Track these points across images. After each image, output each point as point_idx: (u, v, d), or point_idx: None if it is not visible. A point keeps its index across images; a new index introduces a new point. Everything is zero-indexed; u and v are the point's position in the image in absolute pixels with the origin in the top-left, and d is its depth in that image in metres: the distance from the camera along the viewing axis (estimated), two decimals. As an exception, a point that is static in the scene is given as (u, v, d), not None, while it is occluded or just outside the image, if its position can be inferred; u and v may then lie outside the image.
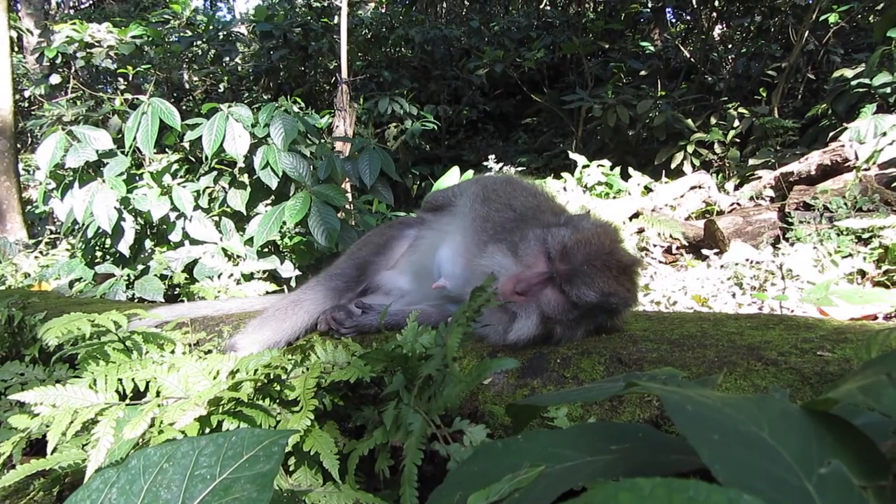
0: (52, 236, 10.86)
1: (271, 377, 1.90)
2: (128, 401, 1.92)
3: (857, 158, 7.83)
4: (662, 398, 0.90)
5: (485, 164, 12.10)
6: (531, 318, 2.30)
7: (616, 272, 2.31)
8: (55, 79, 13.49)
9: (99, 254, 6.71)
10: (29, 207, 11.45)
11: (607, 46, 18.73)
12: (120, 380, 2.30)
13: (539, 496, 1.01)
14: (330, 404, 1.95)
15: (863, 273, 5.22)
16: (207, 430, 1.73)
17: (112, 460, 1.73)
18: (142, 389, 2.27)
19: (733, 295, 5.42)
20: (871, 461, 0.86)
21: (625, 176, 10.63)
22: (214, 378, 2.00)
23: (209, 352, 2.78)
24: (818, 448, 0.84)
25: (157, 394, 1.91)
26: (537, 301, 2.31)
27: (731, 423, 0.86)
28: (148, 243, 6.50)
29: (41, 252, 9.47)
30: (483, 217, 2.74)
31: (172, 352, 2.72)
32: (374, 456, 1.80)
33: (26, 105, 18.27)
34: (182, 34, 16.85)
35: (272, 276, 6.29)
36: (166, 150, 7.35)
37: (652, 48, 18.22)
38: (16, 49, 16.22)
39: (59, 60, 13.13)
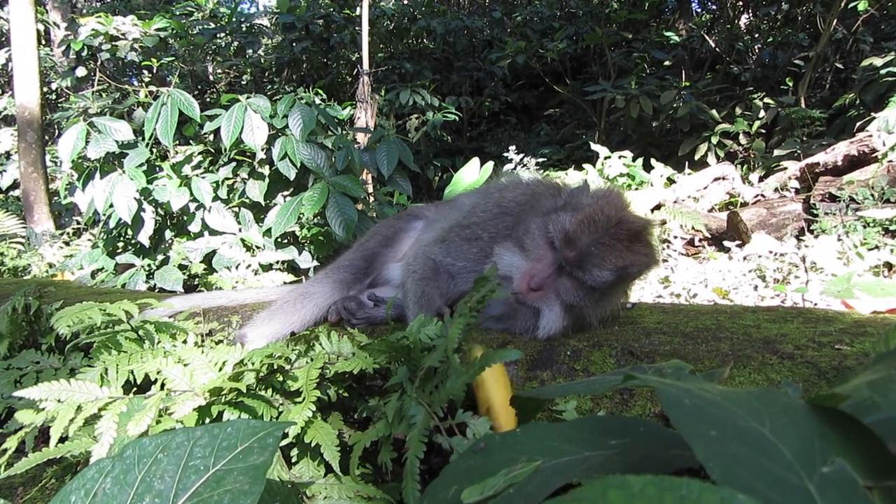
0: (77, 227, 11.00)
1: (274, 367, 1.89)
2: (132, 394, 1.92)
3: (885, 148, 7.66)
4: (658, 392, 0.87)
5: (505, 155, 12.04)
6: (554, 311, 2.25)
7: (627, 242, 2.22)
8: (81, 71, 13.64)
9: (120, 244, 6.77)
10: (56, 198, 11.59)
11: (631, 37, 18.52)
12: (131, 370, 2.31)
13: (534, 491, 0.98)
14: (335, 395, 1.93)
15: (889, 266, 5.11)
16: (207, 419, 1.72)
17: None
18: (152, 380, 2.27)
19: (755, 287, 5.33)
20: (879, 460, 0.81)
21: (647, 167, 10.53)
22: (220, 370, 1.99)
23: (220, 342, 2.78)
24: (822, 446, 0.80)
25: (162, 386, 1.91)
26: (556, 291, 2.27)
27: (730, 419, 0.82)
28: (168, 234, 6.54)
29: (66, 242, 9.59)
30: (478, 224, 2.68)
31: (185, 342, 2.73)
32: (378, 448, 1.78)
33: (53, 97, 18.50)
34: (205, 26, 16.94)
35: (291, 266, 6.31)
36: (190, 141, 7.39)
37: (676, 38, 17.98)
38: (43, 42, 16.43)
39: (85, 53, 13.27)
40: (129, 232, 6.31)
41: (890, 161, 7.30)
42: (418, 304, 2.49)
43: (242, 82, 20.59)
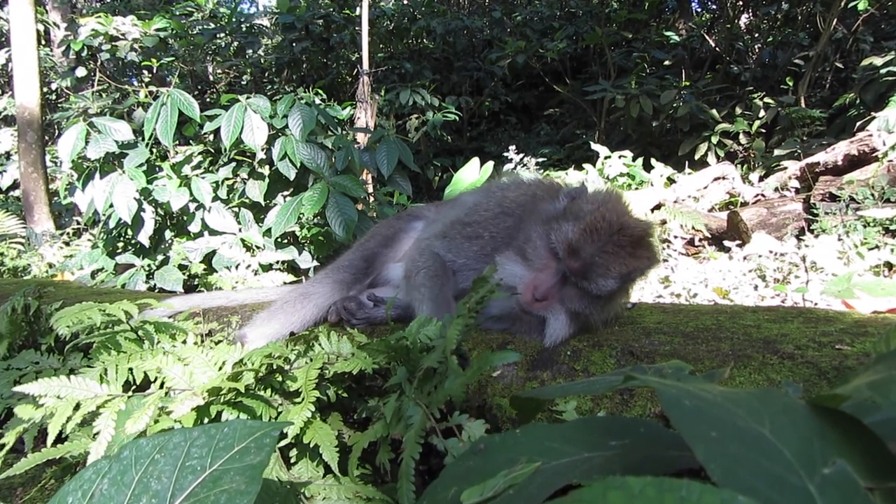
0: (77, 227, 10.99)
1: (273, 367, 1.88)
2: (132, 392, 1.91)
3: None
4: (658, 392, 0.86)
5: (505, 155, 12.04)
6: (560, 319, 2.25)
7: (630, 248, 2.22)
8: (81, 71, 13.64)
9: (120, 244, 6.77)
10: (56, 198, 11.59)
11: (631, 36, 18.51)
12: (131, 370, 2.30)
13: (533, 492, 0.98)
14: (334, 396, 1.93)
15: (890, 265, 5.10)
16: (206, 420, 1.72)
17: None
18: (152, 379, 2.27)
19: (755, 287, 5.32)
20: (880, 461, 0.81)
21: (647, 167, 10.53)
22: (220, 369, 1.99)
23: (219, 342, 2.77)
24: (822, 447, 0.79)
25: (162, 386, 1.90)
26: (561, 300, 2.26)
27: (731, 419, 0.82)
28: (168, 234, 6.54)
29: (65, 242, 9.58)
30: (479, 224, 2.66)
31: (184, 342, 2.72)
32: (377, 448, 1.78)
33: (53, 98, 18.49)
34: (205, 26, 16.93)
35: (291, 266, 6.30)
36: (190, 141, 7.39)
37: (676, 38, 17.97)
38: (43, 42, 16.42)
39: (84, 53, 13.27)
40: (129, 232, 6.31)
41: (890, 160, 7.29)
42: (435, 303, 2.46)
43: (242, 82, 20.59)
